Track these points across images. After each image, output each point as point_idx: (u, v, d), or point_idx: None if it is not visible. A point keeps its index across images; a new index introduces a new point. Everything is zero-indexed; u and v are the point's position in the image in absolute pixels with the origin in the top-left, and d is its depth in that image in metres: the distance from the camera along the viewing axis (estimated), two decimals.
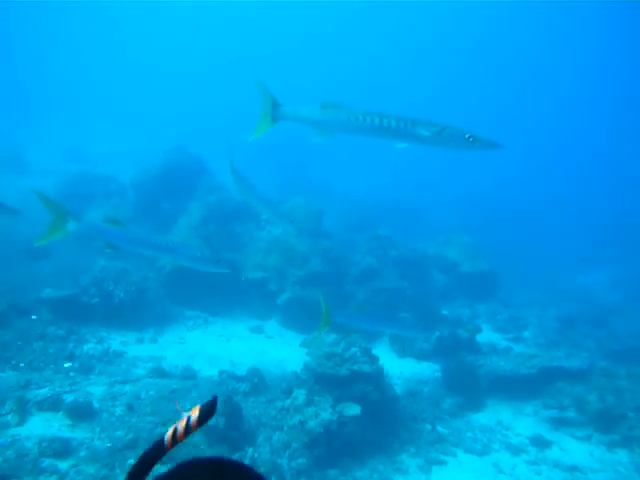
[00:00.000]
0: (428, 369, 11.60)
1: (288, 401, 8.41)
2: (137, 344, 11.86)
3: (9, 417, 7.88)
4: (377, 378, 9.08)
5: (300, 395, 8.31)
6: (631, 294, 19.61)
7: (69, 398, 8.57)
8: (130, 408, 8.56)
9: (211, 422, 6.94)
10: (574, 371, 10.67)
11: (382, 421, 8.83)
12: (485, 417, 9.81)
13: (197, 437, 7.17)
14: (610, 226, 29.52)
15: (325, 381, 8.91)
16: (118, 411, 8.51)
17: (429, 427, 9.15)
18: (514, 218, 28.80)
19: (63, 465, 6.92)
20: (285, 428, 7.69)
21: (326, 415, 7.88)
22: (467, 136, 5.50)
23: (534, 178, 40.42)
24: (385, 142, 5.94)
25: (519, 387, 10.28)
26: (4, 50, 48.83)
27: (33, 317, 11.42)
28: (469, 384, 10.18)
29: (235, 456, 7.01)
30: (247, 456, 6.97)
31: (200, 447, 7.05)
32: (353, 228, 22.57)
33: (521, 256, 22.37)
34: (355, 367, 8.91)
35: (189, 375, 10.37)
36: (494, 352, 12.51)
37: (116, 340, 11.75)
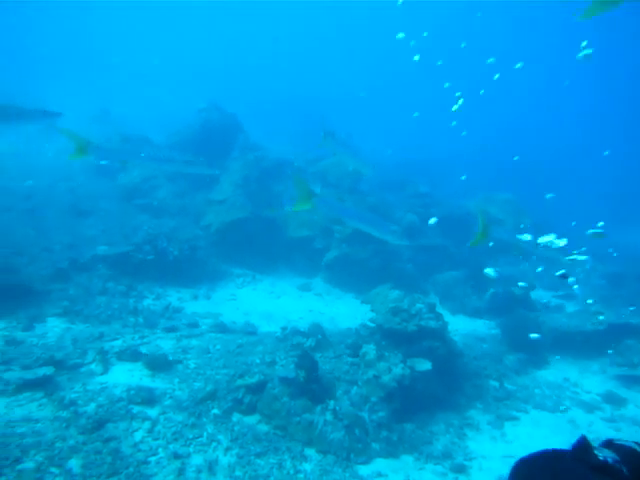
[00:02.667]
0: (483, 326, 11.66)
1: (358, 356, 8.52)
2: (193, 300, 12.03)
3: (93, 366, 8.11)
4: (443, 334, 9.14)
5: (370, 350, 8.40)
6: None
7: (144, 350, 8.78)
8: (204, 361, 8.76)
9: (291, 375, 7.09)
10: None
11: (448, 377, 8.93)
12: (550, 374, 9.89)
13: (277, 389, 7.31)
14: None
15: (392, 336, 9.01)
16: (192, 364, 8.70)
17: (496, 384, 9.24)
18: (532, 170, 28.41)
19: (152, 412, 7.13)
20: (359, 382, 7.81)
21: (398, 370, 7.98)
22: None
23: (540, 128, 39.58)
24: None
25: (584, 344, 10.31)
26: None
27: (100, 272, 11.60)
28: (530, 340, 10.21)
29: (317, 408, 7.16)
30: (329, 408, 7.11)
31: (282, 399, 7.20)
32: (386, 187, 22.39)
33: (552, 211, 22.04)
34: (422, 323, 8.98)
35: (250, 331, 10.53)
36: (547, 310, 12.50)
37: (172, 296, 11.93)
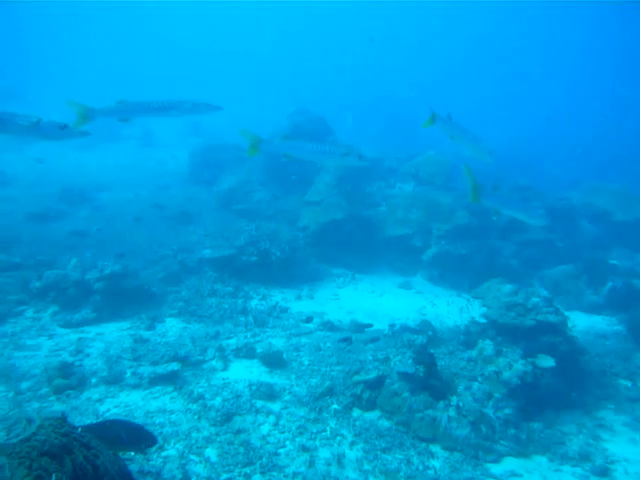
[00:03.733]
0: (603, 322, 11.01)
1: (474, 352, 8.27)
2: (296, 300, 12.22)
3: (214, 362, 8.44)
4: (563, 329, 8.69)
5: (487, 346, 8.14)
6: None
7: (259, 348, 9.02)
8: (317, 358, 8.87)
9: (411, 370, 6.99)
10: None
11: (571, 375, 8.47)
12: None
13: (397, 385, 7.25)
14: None
15: (508, 332, 8.70)
16: (305, 361, 8.83)
17: (627, 383, 8.66)
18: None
19: (274, 406, 7.31)
20: (479, 378, 7.58)
21: (519, 366, 7.67)
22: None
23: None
24: None
25: None
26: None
27: (207, 274, 12.10)
28: None
29: (440, 404, 7.02)
30: (452, 404, 6.95)
31: (402, 395, 7.13)
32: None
33: None
34: (539, 317, 8.59)
35: (357, 329, 10.52)
36: None
37: (277, 296, 12.18)
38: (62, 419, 3.87)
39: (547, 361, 7.92)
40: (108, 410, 6.92)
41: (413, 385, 7.17)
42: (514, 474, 6.20)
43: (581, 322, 11.08)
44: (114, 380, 7.67)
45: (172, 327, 9.91)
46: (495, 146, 27.91)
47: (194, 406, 7.12)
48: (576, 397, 8.26)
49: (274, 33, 60.43)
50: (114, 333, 9.50)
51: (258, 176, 19.82)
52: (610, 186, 17.05)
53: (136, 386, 7.57)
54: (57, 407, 6.86)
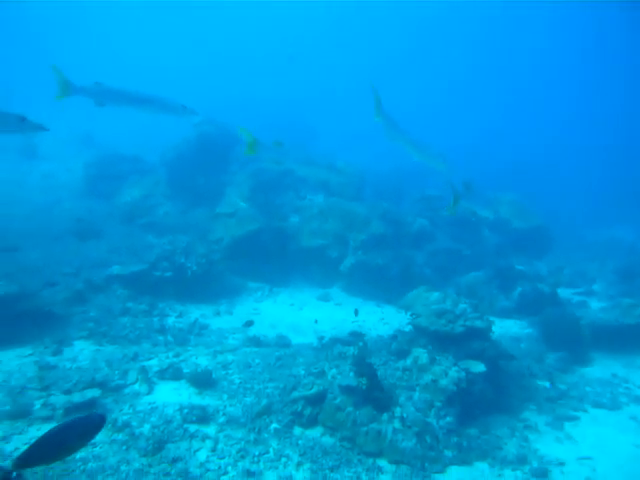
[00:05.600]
0: (515, 326, 11.52)
1: (409, 361, 8.25)
2: (216, 316, 11.64)
3: (136, 386, 7.70)
4: (489, 334, 8.95)
5: (422, 354, 8.16)
6: None
7: (185, 368, 8.39)
8: (248, 375, 8.41)
9: (353, 383, 6.81)
10: None
11: (496, 378, 8.72)
12: (597, 371, 9.73)
13: (339, 399, 7.01)
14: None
15: (439, 339, 8.78)
16: (236, 379, 8.33)
17: (545, 383, 9.05)
18: (516, 170, 28.82)
19: (209, 430, 6.77)
20: (417, 388, 7.54)
21: (454, 373, 7.74)
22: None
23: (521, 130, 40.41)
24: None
25: (625, 338, 10.20)
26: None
27: (117, 292, 11.15)
28: (571, 337, 10.08)
29: (384, 416, 6.86)
30: (395, 415, 6.82)
31: (346, 409, 6.89)
32: (382, 196, 22.29)
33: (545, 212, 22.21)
34: (468, 323, 8.78)
35: (284, 343, 10.19)
36: (570, 307, 12.43)
37: (194, 313, 11.53)
38: (5, 473, 3.21)
39: (478, 366, 8.07)
40: (16, 449, 6.01)
41: (356, 398, 6.97)
42: None
43: (495, 327, 11.52)
44: (20, 414, 6.70)
45: (83, 350, 8.97)
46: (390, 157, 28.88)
47: (120, 436, 6.41)
48: (502, 400, 8.49)
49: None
50: (13, 361, 8.39)
51: (162, 189, 18.89)
52: (506, 196, 18.16)
53: (48, 418, 6.68)
54: None
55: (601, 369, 9.83)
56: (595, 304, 12.98)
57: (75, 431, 3.72)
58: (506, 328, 11.52)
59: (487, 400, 8.13)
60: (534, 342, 10.63)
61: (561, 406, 8.45)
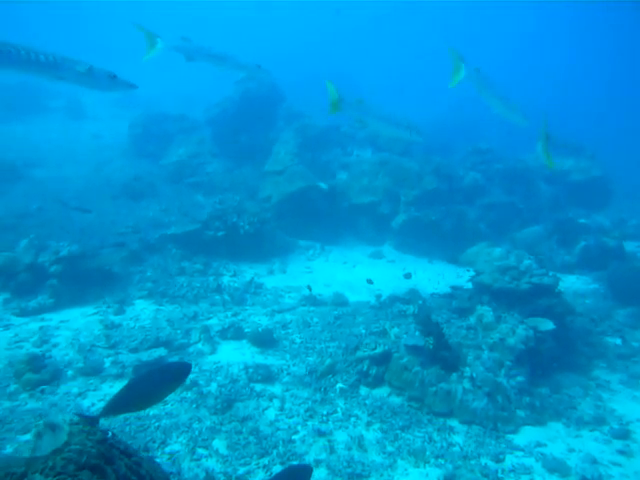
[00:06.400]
0: (578, 282, 11.08)
1: (473, 319, 8.05)
2: (269, 275, 11.62)
3: (200, 345, 7.77)
4: (556, 291, 8.59)
5: (487, 312, 7.92)
6: None
7: (245, 328, 8.41)
8: (308, 335, 8.38)
9: (420, 343, 6.64)
10: None
11: (564, 336, 8.41)
12: None
13: (406, 359, 6.87)
14: None
15: (503, 296, 8.50)
16: (297, 339, 8.31)
17: (615, 340, 8.70)
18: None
19: (275, 389, 6.78)
20: (484, 347, 7.34)
21: (522, 331, 7.48)
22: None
23: None
24: None
25: None
26: None
27: (172, 252, 11.23)
28: None
29: (453, 376, 6.70)
30: (465, 375, 6.66)
31: (413, 369, 6.76)
32: (431, 150, 21.61)
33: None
34: (534, 280, 8.44)
35: (341, 302, 10.08)
36: (634, 260, 11.85)
37: (248, 272, 11.52)
38: (93, 421, 3.21)
39: (547, 324, 7.78)
40: (93, 405, 6.18)
41: (423, 358, 6.83)
42: (539, 444, 5.99)
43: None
44: (93, 371, 6.87)
45: (144, 310, 9.10)
46: (437, 112, 27.89)
47: (189, 394, 6.48)
48: (570, 358, 8.21)
49: None
50: (79, 320, 8.59)
51: (208, 147, 18.79)
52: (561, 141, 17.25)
53: (119, 376, 6.82)
54: (32, 405, 6.06)
55: None
56: None
57: (163, 377, 3.69)
58: (569, 284, 11.06)
59: (556, 358, 7.87)
60: (601, 298, 10.20)
61: (635, 363, 8.13)
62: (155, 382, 3.67)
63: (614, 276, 10.11)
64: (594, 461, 5.62)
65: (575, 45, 51.97)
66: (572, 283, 11.13)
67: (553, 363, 7.75)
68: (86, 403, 6.20)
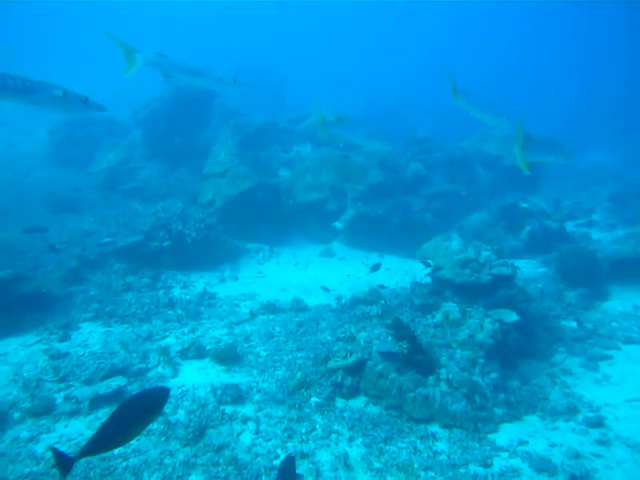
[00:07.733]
0: (527, 266, 11.29)
1: (438, 317, 7.97)
2: (221, 283, 11.18)
3: (160, 369, 7.26)
4: (515, 281, 8.68)
5: (452, 309, 7.86)
6: None
7: (206, 345, 7.96)
8: (273, 347, 8.04)
9: (394, 348, 6.48)
10: None
11: (523, 324, 8.51)
12: (618, 305, 9.60)
13: (381, 366, 6.67)
14: None
15: (466, 291, 8.48)
16: (261, 351, 7.94)
17: (571, 324, 8.90)
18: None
19: (247, 410, 6.40)
20: (455, 345, 7.27)
21: (489, 325, 7.47)
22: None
23: None
24: None
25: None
26: None
27: (114, 267, 10.52)
28: (589, 273, 9.90)
29: (430, 380, 6.56)
30: (441, 377, 6.53)
31: (389, 376, 6.58)
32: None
33: None
34: (494, 271, 8.48)
35: (301, 307, 9.79)
36: (575, 240, 12.27)
37: (199, 282, 11.02)
38: (69, 462, 2.87)
39: (510, 316, 7.82)
40: (48, 450, 5.58)
41: (398, 364, 6.66)
42: (521, 442, 5.94)
43: None
44: (43, 410, 6.23)
45: (92, 333, 8.45)
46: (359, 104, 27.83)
47: (155, 425, 6.00)
48: (530, 345, 8.30)
49: None
50: (20, 351, 7.84)
51: (140, 150, 17.90)
52: (496, 132, 17.66)
53: (74, 413, 6.23)
54: None
55: (622, 302, 9.71)
56: (597, 234, 12.88)
57: (143, 407, 3.31)
58: (519, 269, 11.30)
59: (520, 348, 7.94)
60: (550, 281, 10.44)
61: (592, 345, 8.32)
62: (137, 413, 3.29)
63: (561, 258, 10.37)
64: (577, 455, 5.63)
65: (574, 45, 53.14)
66: (522, 268, 11.31)
67: (518, 353, 7.81)
68: (40, 448, 5.60)
